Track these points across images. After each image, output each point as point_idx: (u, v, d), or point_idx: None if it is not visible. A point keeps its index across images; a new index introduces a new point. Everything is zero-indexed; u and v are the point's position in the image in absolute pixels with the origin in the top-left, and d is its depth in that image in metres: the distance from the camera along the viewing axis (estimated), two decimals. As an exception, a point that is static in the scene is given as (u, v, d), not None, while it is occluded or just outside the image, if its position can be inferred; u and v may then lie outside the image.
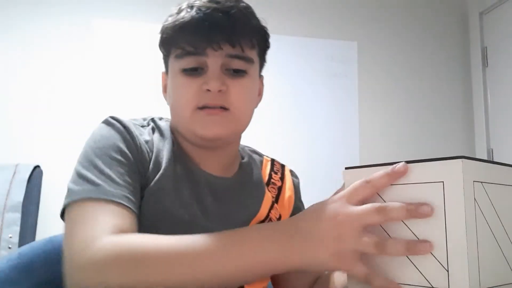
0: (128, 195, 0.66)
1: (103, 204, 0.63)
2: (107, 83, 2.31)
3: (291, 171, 0.94)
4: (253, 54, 0.78)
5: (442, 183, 0.47)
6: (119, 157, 0.70)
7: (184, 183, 0.75)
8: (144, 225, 0.67)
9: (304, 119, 2.54)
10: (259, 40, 0.79)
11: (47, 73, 2.29)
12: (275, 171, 0.91)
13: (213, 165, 0.81)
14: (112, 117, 0.76)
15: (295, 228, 0.54)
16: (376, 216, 0.49)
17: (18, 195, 1.98)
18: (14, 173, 2.03)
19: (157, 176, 0.72)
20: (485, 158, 2.59)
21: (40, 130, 2.22)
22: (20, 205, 1.97)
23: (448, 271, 0.46)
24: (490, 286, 0.47)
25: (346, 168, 0.57)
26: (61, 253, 0.61)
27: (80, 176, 0.67)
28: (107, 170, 0.67)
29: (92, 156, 0.69)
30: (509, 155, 2.46)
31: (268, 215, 0.82)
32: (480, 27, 2.70)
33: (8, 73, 2.25)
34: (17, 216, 1.98)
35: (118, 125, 0.74)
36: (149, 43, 2.34)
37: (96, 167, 0.67)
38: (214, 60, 0.74)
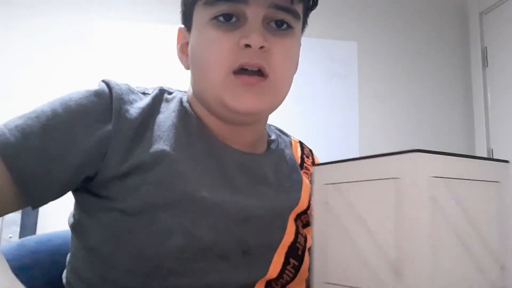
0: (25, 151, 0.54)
1: None
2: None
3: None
4: (300, 9, 0.64)
5: (398, 179, 0.43)
6: (73, 112, 0.59)
7: (206, 163, 0.63)
8: (158, 215, 0.58)
9: (304, 119, 2.54)
10: None
11: (48, 73, 2.29)
12: (306, 155, 0.80)
13: (239, 142, 0.68)
14: (104, 81, 0.64)
15: None
16: None
17: (18, 195, 1.98)
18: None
19: (164, 159, 0.60)
20: (485, 158, 2.59)
21: (40, 130, 2.22)
22: (20, 205, 1.97)
23: (401, 273, 0.42)
24: None
25: (315, 165, 0.54)
26: (34, 259, 0.59)
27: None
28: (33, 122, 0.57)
29: (40, 106, 0.59)
30: (509, 155, 2.46)
31: (309, 205, 0.70)
32: (480, 27, 2.70)
33: (9, 73, 2.25)
34: (17, 216, 1.98)
35: (103, 92, 0.62)
36: (149, 43, 2.34)
37: (30, 113, 0.58)
38: (255, 10, 0.60)
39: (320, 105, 2.58)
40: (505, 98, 2.52)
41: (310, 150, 0.83)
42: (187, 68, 0.69)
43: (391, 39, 2.74)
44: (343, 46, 2.65)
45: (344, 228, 0.48)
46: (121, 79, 0.69)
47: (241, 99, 0.61)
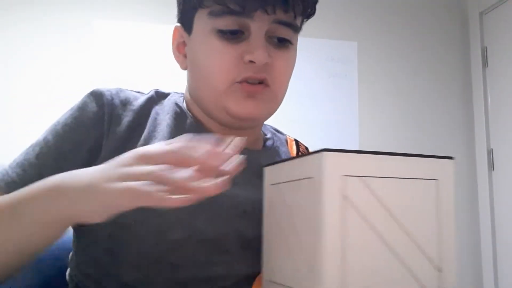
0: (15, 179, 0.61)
1: None
2: (107, 83, 2.30)
3: None
4: (299, 21, 0.67)
5: (312, 178, 0.43)
6: (69, 125, 0.64)
7: None
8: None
9: (304, 119, 2.54)
10: (311, 5, 0.67)
11: (47, 73, 2.29)
12: (302, 152, 0.82)
13: None
14: (91, 92, 0.67)
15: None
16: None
17: (18, 195, 1.98)
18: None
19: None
20: (485, 158, 2.59)
21: (40, 130, 2.21)
22: (20, 205, 1.97)
23: (313, 270, 0.41)
24: None
25: (265, 166, 0.55)
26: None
27: None
28: (29, 150, 0.64)
29: (39, 137, 0.66)
30: (509, 155, 2.46)
31: None
32: (480, 27, 2.70)
33: (8, 73, 2.25)
34: (17, 216, 1.98)
35: (93, 99, 0.66)
36: (149, 43, 2.34)
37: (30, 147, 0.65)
38: (260, 25, 0.62)
39: (320, 105, 2.58)
40: (505, 98, 2.52)
41: (306, 148, 0.85)
42: (184, 68, 0.71)
43: (391, 39, 2.74)
44: (343, 46, 2.65)
45: (279, 225, 0.49)
46: (120, 79, 0.70)
47: (243, 105, 0.63)
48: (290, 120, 2.52)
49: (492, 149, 2.59)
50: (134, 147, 0.61)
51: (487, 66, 2.66)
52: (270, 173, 0.54)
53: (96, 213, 0.49)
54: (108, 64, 2.33)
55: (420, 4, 2.81)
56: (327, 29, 2.61)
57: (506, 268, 2.43)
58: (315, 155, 0.43)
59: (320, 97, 2.58)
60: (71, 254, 0.70)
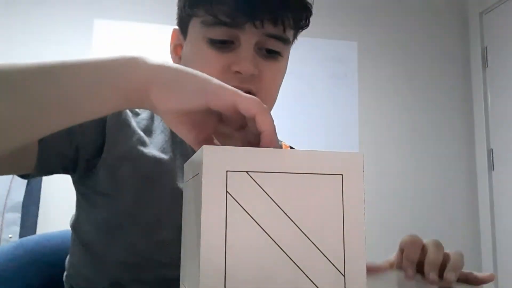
0: None
1: None
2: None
3: None
4: (291, 34, 0.67)
5: (198, 175, 0.41)
6: None
7: (181, 172, 0.67)
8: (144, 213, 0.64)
9: (304, 119, 2.54)
10: (303, 19, 0.67)
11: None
12: None
13: None
14: None
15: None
16: None
17: (18, 195, 1.98)
18: (14, 173, 2.03)
19: (149, 158, 0.65)
20: (485, 158, 2.59)
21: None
22: (20, 205, 1.97)
23: (196, 274, 0.39)
24: None
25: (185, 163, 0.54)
26: (33, 259, 0.62)
27: None
28: None
29: None
30: (509, 155, 2.46)
31: None
32: (480, 27, 2.70)
33: (8, 73, 2.26)
34: (17, 216, 1.98)
35: None
36: (149, 43, 2.34)
37: None
38: (249, 37, 0.63)
39: (320, 105, 2.58)
40: (505, 98, 2.52)
41: None
42: None
43: (391, 39, 2.74)
44: (343, 46, 2.65)
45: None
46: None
47: None
48: (290, 120, 2.52)
49: (492, 149, 2.59)
50: (125, 139, 0.64)
51: (487, 66, 2.66)
52: (185, 171, 0.52)
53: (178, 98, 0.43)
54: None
55: (420, 4, 2.81)
56: (327, 29, 2.61)
57: (506, 268, 2.43)
58: (199, 151, 0.41)
59: (320, 97, 2.58)
60: (68, 256, 0.73)
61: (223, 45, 0.64)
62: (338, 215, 0.41)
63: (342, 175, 0.42)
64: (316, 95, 2.57)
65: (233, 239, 0.39)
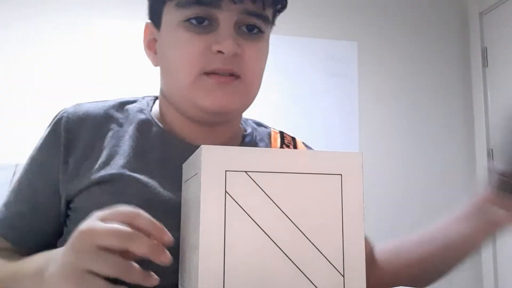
0: (12, 222, 0.65)
1: None
2: (107, 83, 2.30)
3: (303, 143, 0.83)
4: (270, 13, 0.65)
5: (197, 174, 0.41)
6: (31, 168, 0.67)
7: (167, 167, 0.63)
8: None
9: (304, 119, 2.54)
10: None
11: (47, 73, 2.29)
12: (287, 143, 0.79)
13: (210, 143, 0.71)
14: (54, 118, 0.68)
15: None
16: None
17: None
18: (14, 173, 2.03)
19: (123, 172, 0.62)
20: (485, 158, 2.59)
21: (40, 130, 2.21)
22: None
23: (195, 274, 0.39)
24: None
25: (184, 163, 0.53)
26: None
27: None
28: (12, 189, 0.67)
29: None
30: (509, 155, 2.45)
31: None
32: (480, 27, 2.69)
33: (7, 72, 2.25)
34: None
35: (51, 133, 0.67)
36: (149, 43, 2.34)
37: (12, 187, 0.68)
38: (228, 15, 0.60)
39: (320, 105, 2.58)
40: (505, 98, 2.52)
41: (293, 138, 0.82)
42: (155, 65, 0.70)
43: (391, 39, 2.74)
44: (343, 46, 2.65)
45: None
46: (120, 79, 0.70)
47: (213, 97, 0.61)
48: (290, 120, 2.52)
49: (492, 149, 2.59)
50: (93, 165, 0.62)
51: (487, 66, 2.66)
52: (184, 170, 0.52)
53: None
54: (108, 64, 2.33)
55: (420, 4, 2.81)
56: (327, 29, 2.61)
57: (506, 268, 2.43)
58: (198, 150, 0.40)
59: (320, 97, 2.58)
60: None
61: (200, 26, 0.61)
62: (337, 215, 0.41)
63: (341, 175, 0.41)
64: (316, 95, 2.57)
65: (232, 239, 0.38)
